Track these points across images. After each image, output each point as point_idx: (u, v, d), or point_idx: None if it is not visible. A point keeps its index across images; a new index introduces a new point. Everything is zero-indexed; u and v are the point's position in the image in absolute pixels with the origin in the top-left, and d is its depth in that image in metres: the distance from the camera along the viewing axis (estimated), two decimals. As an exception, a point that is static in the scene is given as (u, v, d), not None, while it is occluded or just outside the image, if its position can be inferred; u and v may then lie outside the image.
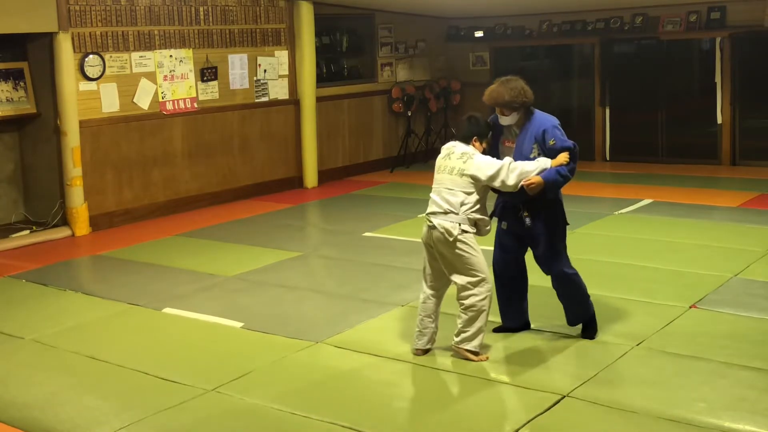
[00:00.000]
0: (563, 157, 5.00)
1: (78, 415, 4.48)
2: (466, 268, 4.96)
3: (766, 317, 5.61)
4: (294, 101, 11.10)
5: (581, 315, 5.38)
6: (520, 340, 5.36)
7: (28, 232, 8.77)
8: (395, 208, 9.61)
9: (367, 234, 8.39)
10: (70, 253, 8.22)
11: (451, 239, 4.90)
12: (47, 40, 8.70)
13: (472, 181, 4.94)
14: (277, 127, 10.98)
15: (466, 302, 4.98)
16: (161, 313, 6.21)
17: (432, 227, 4.98)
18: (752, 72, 11.40)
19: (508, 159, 5.00)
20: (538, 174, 4.94)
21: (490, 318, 5.12)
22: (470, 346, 4.99)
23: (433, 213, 5.01)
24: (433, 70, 13.24)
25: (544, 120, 5.14)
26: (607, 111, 12.43)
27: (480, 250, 5.00)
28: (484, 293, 4.96)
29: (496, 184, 4.93)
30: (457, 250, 4.93)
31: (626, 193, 9.96)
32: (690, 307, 5.83)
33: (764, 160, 11.35)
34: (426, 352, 5.13)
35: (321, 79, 11.52)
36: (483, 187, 5.00)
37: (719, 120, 11.54)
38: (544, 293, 6.23)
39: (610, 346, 5.16)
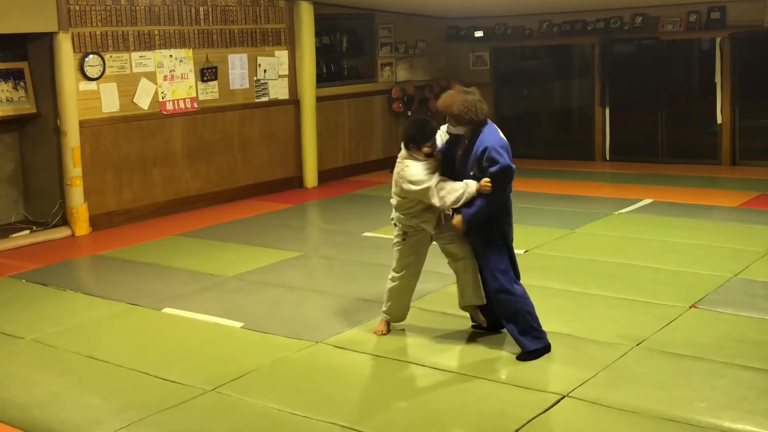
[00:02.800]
0: (484, 184, 4.87)
1: (78, 415, 4.48)
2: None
3: (766, 317, 5.61)
4: (294, 101, 11.10)
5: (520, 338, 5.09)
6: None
7: (28, 232, 8.77)
8: (395, 208, 9.60)
9: (367, 234, 8.39)
10: (70, 253, 8.22)
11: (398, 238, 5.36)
12: (47, 40, 8.70)
13: (399, 192, 5.16)
14: (277, 127, 10.98)
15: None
16: (161, 313, 6.21)
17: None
18: (752, 72, 11.39)
19: (434, 179, 4.99)
20: (464, 201, 4.93)
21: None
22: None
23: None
24: (433, 70, 13.24)
25: (490, 138, 4.96)
26: (607, 111, 12.42)
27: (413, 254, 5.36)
28: (391, 283, 5.43)
29: (428, 202, 5.05)
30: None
31: (626, 193, 9.96)
32: (690, 307, 5.83)
33: (764, 160, 11.35)
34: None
35: (321, 79, 11.52)
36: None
37: (719, 120, 11.54)
38: (542, 294, 6.24)
39: (610, 346, 5.16)
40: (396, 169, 5.20)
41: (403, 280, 5.40)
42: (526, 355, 4.99)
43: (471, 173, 4.98)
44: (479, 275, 5.23)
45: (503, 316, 5.10)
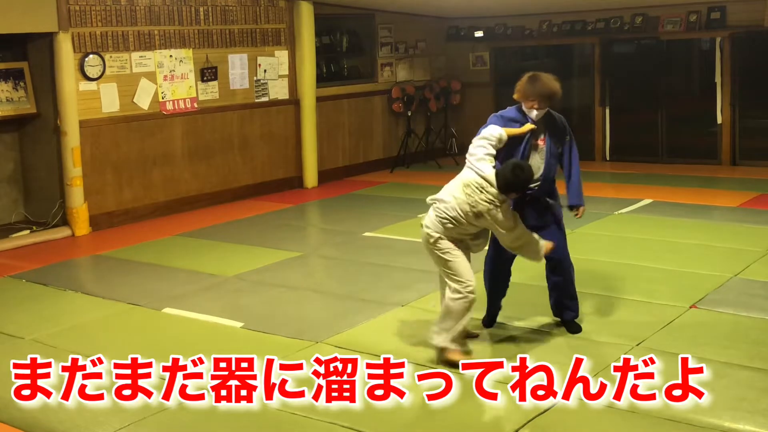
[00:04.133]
0: (548, 247, 5.07)
1: (78, 415, 4.48)
2: (445, 272, 4.97)
3: (766, 317, 5.61)
4: (294, 101, 11.10)
5: (576, 308, 5.47)
6: (519, 340, 5.36)
7: (28, 232, 8.77)
8: (395, 208, 9.60)
9: (367, 234, 8.39)
10: (70, 253, 8.22)
11: (429, 242, 4.95)
12: (47, 40, 8.70)
13: (478, 222, 4.86)
14: (277, 127, 10.98)
15: (446, 303, 5.00)
16: (161, 313, 6.21)
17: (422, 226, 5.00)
18: (752, 72, 11.39)
19: (520, 223, 4.94)
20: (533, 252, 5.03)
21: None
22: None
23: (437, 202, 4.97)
24: (433, 70, 13.24)
25: (556, 115, 5.24)
26: (607, 111, 12.42)
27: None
28: (460, 299, 4.92)
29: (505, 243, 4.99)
30: (437, 252, 4.95)
31: (626, 193, 9.96)
32: (690, 307, 5.83)
33: (764, 160, 11.35)
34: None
35: (321, 79, 11.51)
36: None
37: (719, 120, 11.54)
38: (542, 293, 6.24)
39: (610, 346, 5.16)
40: (475, 195, 4.81)
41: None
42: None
43: (559, 151, 5.19)
44: None
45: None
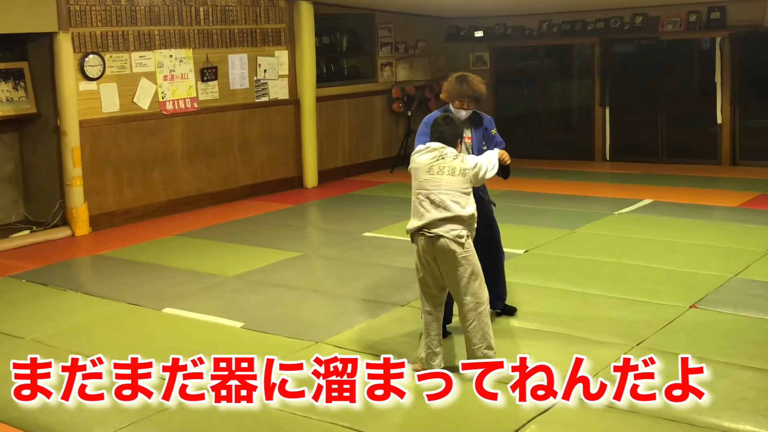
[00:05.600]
0: (505, 155, 5.14)
1: (78, 415, 4.48)
2: (474, 278, 4.71)
3: (766, 317, 5.61)
4: (294, 101, 11.10)
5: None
6: (519, 340, 5.36)
7: (28, 232, 8.77)
8: (395, 208, 9.60)
9: (367, 234, 8.39)
10: (70, 253, 8.22)
11: (461, 247, 4.63)
12: (47, 40, 8.70)
13: (470, 179, 4.75)
14: (277, 127, 10.98)
15: (481, 309, 4.74)
16: (161, 313, 6.21)
17: (434, 237, 4.63)
18: (752, 72, 11.40)
19: (482, 156, 5.04)
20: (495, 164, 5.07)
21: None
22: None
23: (439, 220, 4.64)
24: (433, 70, 13.24)
25: (482, 114, 5.44)
26: (607, 111, 12.42)
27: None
28: (486, 297, 4.79)
29: (480, 177, 4.88)
30: (462, 259, 4.65)
31: (626, 193, 9.96)
32: (690, 307, 5.83)
33: (764, 160, 11.35)
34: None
35: (321, 79, 11.52)
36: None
37: (719, 120, 11.54)
38: (542, 293, 6.24)
39: (610, 346, 5.16)
40: (450, 165, 4.71)
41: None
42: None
43: (483, 148, 5.27)
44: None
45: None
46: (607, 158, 12.46)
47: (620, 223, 8.50)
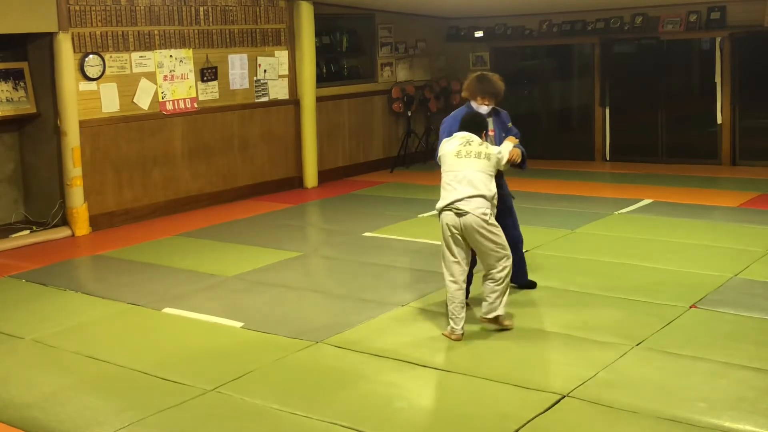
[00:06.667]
0: (513, 140, 5.81)
1: (78, 415, 4.48)
2: (496, 247, 5.31)
3: (766, 317, 5.61)
4: (294, 101, 11.10)
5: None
6: (519, 340, 5.36)
7: (28, 232, 8.77)
8: (395, 208, 9.61)
9: (367, 234, 8.39)
10: (70, 253, 8.22)
11: (486, 223, 5.24)
12: (47, 40, 8.70)
13: (494, 163, 5.40)
14: (277, 127, 10.98)
15: (501, 275, 5.34)
16: (161, 313, 6.21)
17: (462, 213, 5.23)
18: (752, 72, 11.40)
19: (503, 145, 5.72)
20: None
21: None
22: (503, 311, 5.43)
23: (463, 199, 5.25)
24: (433, 70, 13.25)
25: (500, 109, 6.05)
26: (607, 111, 12.43)
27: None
28: (509, 266, 5.39)
29: (502, 163, 5.56)
30: (488, 233, 5.26)
31: (626, 193, 9.96)
32: (690, 307, 5.83)
33: (764, 160, 11.35)
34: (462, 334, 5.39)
35: (321, 79, 11.52)
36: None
37: (719, 120, 11.54)
38: (542, 294, 6.25)
39: (610, 346, 5.16)
40: (476, 150, 5.37)
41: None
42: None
43: (503, 136, 5.92)
44: None
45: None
46: (607, 158, 12.46)
47: (620, 223, 8.51)
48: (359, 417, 4.32)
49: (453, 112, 5.95)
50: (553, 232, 8.08)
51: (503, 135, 5.93)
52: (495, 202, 5.37)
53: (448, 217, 5.30)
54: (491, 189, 5.33)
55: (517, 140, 5.84)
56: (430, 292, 6.30)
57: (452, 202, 5.27)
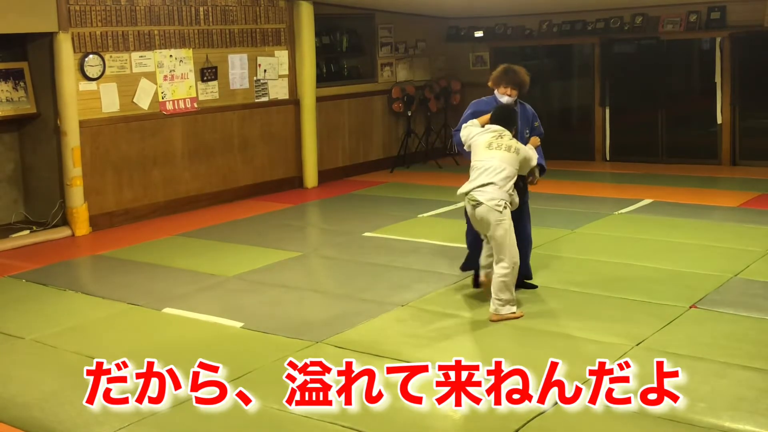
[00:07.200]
0: (537, 141, 6.01)
1: (78, 415, 4.48)
2: (505, 240, 5.59)
3: (766, 317, 5.61)
4: (294, 101, 11.10)
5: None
6: (519, 340, 5.36)
7: (28, 232, 8.77)
8: (395, 208, 9.61)
9: (367, 234, 8.39)
10: (70, 253, 8.22)
11: (499, 213, 5.52)
12: (47, 40, 8.70)
13: (521, 159, 5.65)
14: (277, 127, 10.98)
15: (507, 266, 5.64)
16: (161, 313, 6.21)
17: (476, 204, 5.57)
18: (752, 72, 11.40)
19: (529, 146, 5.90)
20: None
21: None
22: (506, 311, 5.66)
23: (479, 187, 5.57)
24: (433, 70, 13.24)
25: (526, 104, 6.12)
26: (607, 111, 12.43)
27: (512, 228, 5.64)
28: (509, 274, 5.63)
29: (530, 162, 5.79)
30: (497, 226, 5.56)
31: (626, 193, 9.96)
32: (690, 307, 5.83)
33: (764, 160, 11.35)
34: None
35: (321, 79, 11.52)
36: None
37: (719, 120, 11.54)
38: (542, 294, 6.24)
39: (610, 346, 5.16)
40: (505, 143, 5.63)
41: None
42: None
43: (527, 136, 6.03)
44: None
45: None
46: (607, 158, 12.46)
47: (620, 223, 8.51)
48: (359, 417, 4.32)
49: (481, 98, 6.13)
50: (553, 232, 8.08)
51: (527, 132, 6.06)
52: (511, 192, 5.62)
53: (467, 206, 5.70)
54: (510, 182, 5.59)
55: (539, 141, 6.04)
56: (430, 292, 6.30)
57: (470, 190, 5.61)
